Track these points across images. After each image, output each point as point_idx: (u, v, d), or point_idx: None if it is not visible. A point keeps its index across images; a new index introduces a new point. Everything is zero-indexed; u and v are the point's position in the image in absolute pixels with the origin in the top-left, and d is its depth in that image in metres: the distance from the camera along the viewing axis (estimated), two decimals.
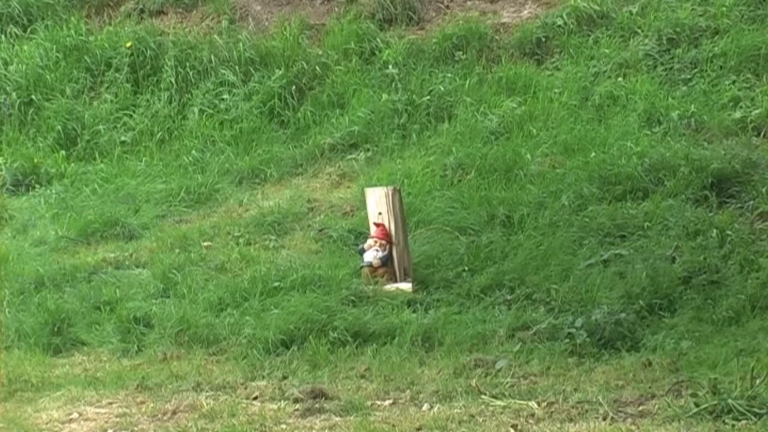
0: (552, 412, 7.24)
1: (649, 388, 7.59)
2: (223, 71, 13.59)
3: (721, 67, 12.42)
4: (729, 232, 9.80)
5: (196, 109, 13.29)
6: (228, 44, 13.88)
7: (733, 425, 6.84)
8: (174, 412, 7.57)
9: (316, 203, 11.58)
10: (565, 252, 9.90)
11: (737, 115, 11.69)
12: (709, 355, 8.12)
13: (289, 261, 10.14)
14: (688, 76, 12.50)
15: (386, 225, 9.93)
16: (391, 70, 13.18)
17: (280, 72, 13.42)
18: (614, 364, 8.14)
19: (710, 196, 10.46)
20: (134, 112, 13.43)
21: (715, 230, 9.84)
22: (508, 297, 9.41)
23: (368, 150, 12.33)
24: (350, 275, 9.78)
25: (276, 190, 12.02)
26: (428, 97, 12.75)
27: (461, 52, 13.37)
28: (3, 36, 14.39)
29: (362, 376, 8.22)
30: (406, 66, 13.27)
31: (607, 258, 9.77)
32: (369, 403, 7.61)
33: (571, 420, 7.10)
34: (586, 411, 7.23)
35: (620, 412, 7.18)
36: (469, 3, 14.13)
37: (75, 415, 7.66)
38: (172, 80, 13.55)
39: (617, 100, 12.28)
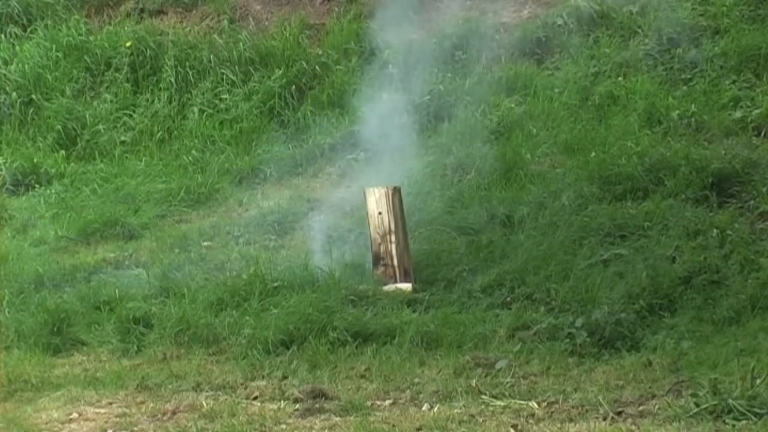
0: (552, 412, 7.23)
1: (650, 388, 7.58)
2: (222, 71, 13.58)
3: (721, 67, 12.39)
4: (729, 232, 9.77)
5: (195, 109, 13.28)
6: (228, 44, 13.87)
7: (734, 425, 6.83)
8: (174, 412, 7.57)
9: (316, 203, 11.56)
10: (565, 252, 9.87)
11: (737, 114, 11.66)
12: (710, 355, 8.10)
13: (289, 261, 10.13)
14: (689, 76, 12.46)
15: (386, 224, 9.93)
16: (391, 70, 13.17)
17: (280, 72, 13.41)
18: (614, 364, 8.12)
19: (710, 196, 10.43)
20: (134, 111, 13.43)
21: (715, 230, 9.82)
22: (508, 297, 9.41)
23: (368, 150, 12.32)
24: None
25: (276, 190, 12.01)
26: (428, 97, 12.74)
27: (461, 52, 13.36)
28: (3, 36, 14.38)
29: (362, 376, 8.21)
30: (406, 66, 13.25)
31: (607, 258, 9.74)
32: (369, 403, 7.60)
33: (571, 420, 7.09)
34: (587, 411, 7.22)
35: (620, 412, 7.18)
36: (469, 3, 14.11)
37: (75, 415, 7.65)
38: (172, 80, 13.54)
39: (617, 99, 12.25)
